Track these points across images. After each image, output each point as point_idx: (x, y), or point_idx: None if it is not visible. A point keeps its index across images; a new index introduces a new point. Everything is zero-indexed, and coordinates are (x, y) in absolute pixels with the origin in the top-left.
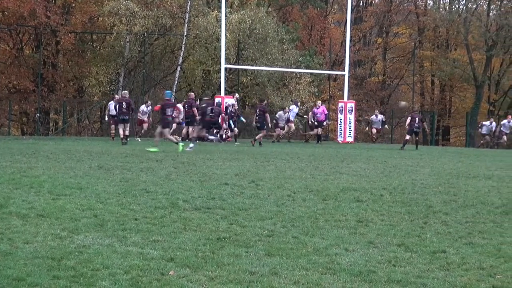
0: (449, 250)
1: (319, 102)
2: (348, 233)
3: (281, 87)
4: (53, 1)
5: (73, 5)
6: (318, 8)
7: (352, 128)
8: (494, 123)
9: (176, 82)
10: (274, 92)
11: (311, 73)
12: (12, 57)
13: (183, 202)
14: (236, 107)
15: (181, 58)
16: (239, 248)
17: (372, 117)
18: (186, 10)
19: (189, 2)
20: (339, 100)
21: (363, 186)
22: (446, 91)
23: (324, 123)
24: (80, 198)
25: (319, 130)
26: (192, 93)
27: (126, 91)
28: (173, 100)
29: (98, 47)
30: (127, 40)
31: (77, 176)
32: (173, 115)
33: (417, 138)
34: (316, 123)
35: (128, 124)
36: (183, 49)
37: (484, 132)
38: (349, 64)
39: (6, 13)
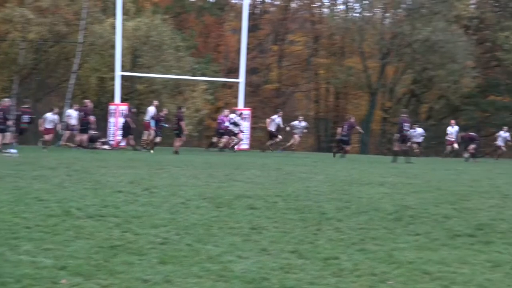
0: (342, 256)
1: (226, 111)
2: (241, 240)
3: (176, 95)
4: None
5: None
6: (215, 16)
7: (248, 136)
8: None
9: (70, 90)
10: (169, 100)
11: (206, 81)
12: None
13: (76, 210)
14: (166, 112)
15: (76, 65)
16: (132, 256)
17: (294, 122)
18: (81, 17)
19: (85, 9)
20: (234, 108)
21: (257, 193)
22: (340, 99)
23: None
24: None
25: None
26: (88, 101)
27: (6, 99)
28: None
29: None
30: (22, 47)
31: None
32: None
33: (344, 147)
34: (222, 130)
35: (7, 134)
36: (78, 56)
37: (500, 144)
38: (244, 72)
39: None
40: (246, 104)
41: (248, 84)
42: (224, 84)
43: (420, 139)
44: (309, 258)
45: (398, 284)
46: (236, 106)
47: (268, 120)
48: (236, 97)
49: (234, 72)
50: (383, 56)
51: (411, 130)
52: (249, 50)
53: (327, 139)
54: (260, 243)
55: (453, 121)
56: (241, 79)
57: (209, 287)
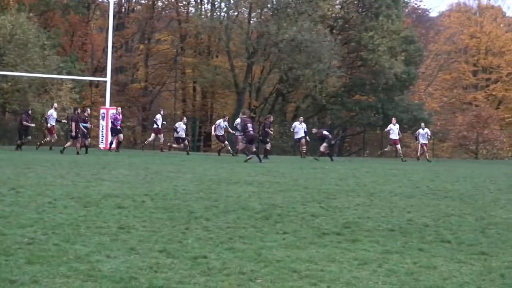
0: (210, 255)
1: (119, 109)
2: (109, 239)
3: (42, 93)
4: None
5: None
6: (80, 14)
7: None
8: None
9: None
10: (35, 99)
11: (72, 79)
12: None
13: None
14: (89, 112)
15: None
16: None
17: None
18: None
19: None
20: (101, 107)
21: (125, 192)
22: (207, 98)
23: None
24: None
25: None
26: None
27: None
28: None
29: None
30: None
31: None
32: None
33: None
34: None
35: None
36: None
37: (422, 142)
38: (111, 71)
39: None
40: (113, 103)
41: (114, 83)
42: (91, 83)
43: (301, 136)
44: (177, 257)
45: (267, 283)
46: (104, 104)
47: (214, 126)
48: (103, 96)
49: (100, 71)
50: (250, 56)
51: (297, 126)
52: (115, 48)
53: (194, 138)
54: (128, 242)
55: (394, 119)
56: (108, 78)
57: (77, 287)
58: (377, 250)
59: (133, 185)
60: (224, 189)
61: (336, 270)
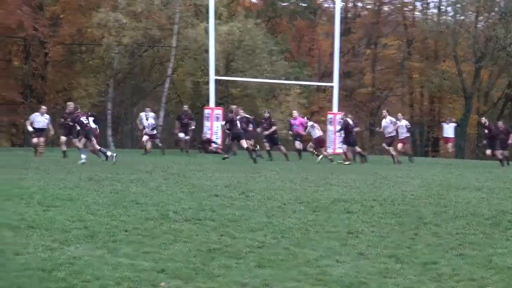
0: (440, 261)
1: (295, 113)
2: (338, 244)
3: (270, 99)
4: (42, 13)
5: (62, 16)
6: (307, 20)
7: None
8: None
9: (165, 94)
10: (263, 104)
11: (300, 85)
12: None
13: (174, 214)
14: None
15: (170, 69)
16: (230, 259)
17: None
18: (174, 21)
19: (177, 13)
20: (328, 112)
21: (353, 197)
22: (435, 103)
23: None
24: (70, 209)
25: (297, 144)
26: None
27: None
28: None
29: (87, 59)
30: (116, 51)
31: (67, 188)
32: None
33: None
34: (293, 135)
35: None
36: (172, 60)
37: None
38: (338, 76)
39: None
40: (340, 108)
41: (342, 88)
42: (318, 88)
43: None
44: (407, 262)
45: None
46: (331, 110)
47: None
48: (330, 101)
49: (328, 76)
50: (478, 60)
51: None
52: (342, 54)
53: (422, 143)
54: (357, 247)
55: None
56: (335, 83)
57: None
58: None
59: (361, 190)
60: (453, 195)
61: None
